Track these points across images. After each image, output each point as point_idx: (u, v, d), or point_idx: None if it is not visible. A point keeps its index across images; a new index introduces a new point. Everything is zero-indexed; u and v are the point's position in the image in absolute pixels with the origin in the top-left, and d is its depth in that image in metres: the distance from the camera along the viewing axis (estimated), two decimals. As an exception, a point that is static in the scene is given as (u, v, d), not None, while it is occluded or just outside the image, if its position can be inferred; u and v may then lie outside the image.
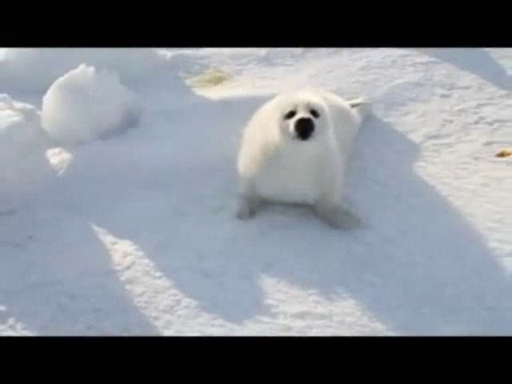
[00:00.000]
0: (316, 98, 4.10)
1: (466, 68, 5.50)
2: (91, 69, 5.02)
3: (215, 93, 5.48)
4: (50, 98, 4.96)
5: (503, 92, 5.21)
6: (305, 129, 3.91)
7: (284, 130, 4.00)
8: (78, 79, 4.97)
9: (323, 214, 4.18)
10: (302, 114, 3.94)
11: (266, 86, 5.53)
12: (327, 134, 4.09)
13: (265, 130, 4.16)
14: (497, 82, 5.32)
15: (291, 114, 3.98)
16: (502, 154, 4.61)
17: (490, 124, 4.92)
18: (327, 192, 4.17)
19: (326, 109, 4.08)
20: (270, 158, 4.11)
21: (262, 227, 4.17)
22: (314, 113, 3.98)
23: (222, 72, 5.78)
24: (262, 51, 5.97)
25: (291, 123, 3.94)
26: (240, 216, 4.23)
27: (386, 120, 5.01)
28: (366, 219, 4.12)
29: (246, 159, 4.29)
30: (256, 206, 4.27)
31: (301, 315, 3.62)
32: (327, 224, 4.13)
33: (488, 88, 5.28)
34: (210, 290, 3.79)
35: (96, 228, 4.27)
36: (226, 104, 5.31)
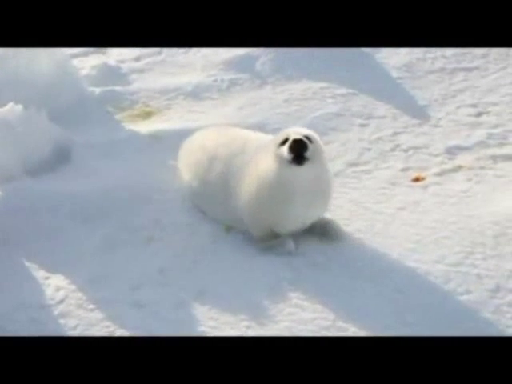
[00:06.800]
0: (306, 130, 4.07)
1: (381, 99, 5.57)
2: (19, 106, 4.89)
3: (145, 127, 5.39)
4: (-20, 136, 4.79)
5: (416, 121, 5.30)
6: (299, 149, 3.82)
7: (279, 157, 3.89)
8: (6, 117, 4.84)
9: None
10: (295, 136, 3.87)
11: (194, 120, 5.47)
12: (323, 159, 4.03)
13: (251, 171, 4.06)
14: (410, 112, 5.41)
15: (285, 142, 3.90)
16: (417, 179, 4.66)
17: (406, 151, 4.97)
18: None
19: (317, 136, 4.05)
20: (272, 194, 3.99)
21: (194, 256, 4.08)
22: (308, 138, 3.91)
23: (151, 107, 5.70)
24: (190, 86, 5.93)
25: (285, 146, 3.85)
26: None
27: (309, 149, 5.00)
28: (294, 246, 4.06)
29: (253, 204, 4.08)
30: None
31: (233, 341, 3.53)
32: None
33: (402, 117, 5.36)
34: (143, 320, 3.66)
35: (28, 263, 4.10)
36: (156, 137, 5.24)
